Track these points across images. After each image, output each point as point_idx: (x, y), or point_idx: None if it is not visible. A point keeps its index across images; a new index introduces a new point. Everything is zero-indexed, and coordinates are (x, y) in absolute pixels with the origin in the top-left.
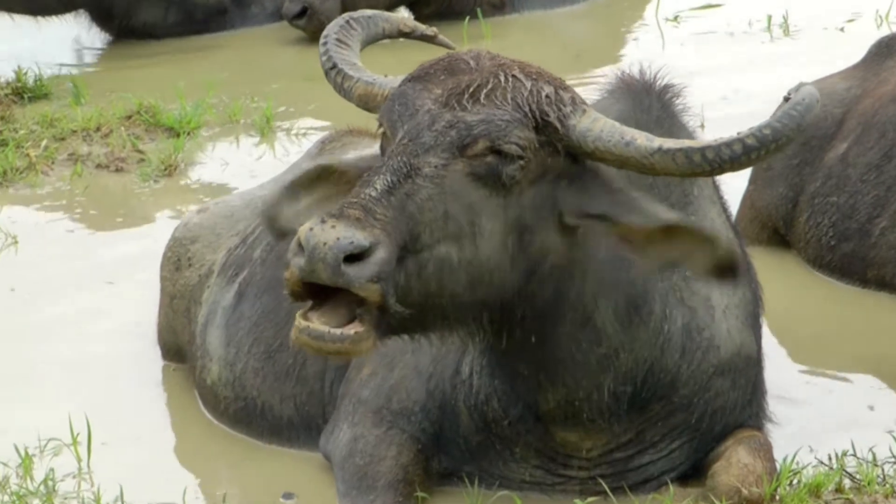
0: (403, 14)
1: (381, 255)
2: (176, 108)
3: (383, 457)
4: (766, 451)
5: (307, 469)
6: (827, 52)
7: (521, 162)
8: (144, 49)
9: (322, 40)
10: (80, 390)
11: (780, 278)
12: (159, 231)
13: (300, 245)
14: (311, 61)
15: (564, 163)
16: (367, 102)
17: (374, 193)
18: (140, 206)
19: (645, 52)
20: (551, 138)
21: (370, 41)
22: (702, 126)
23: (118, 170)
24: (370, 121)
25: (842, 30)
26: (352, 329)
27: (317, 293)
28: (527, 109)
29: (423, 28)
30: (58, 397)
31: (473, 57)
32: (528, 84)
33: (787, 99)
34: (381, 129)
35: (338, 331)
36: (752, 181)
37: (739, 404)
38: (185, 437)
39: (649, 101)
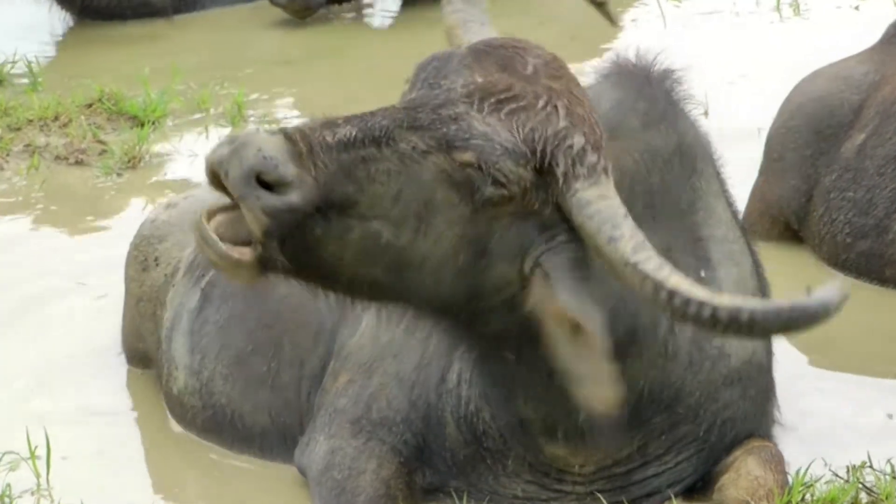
0: None
1: (292, 198)
2: (140, 96)
3: (363, 470)
4: (777, 462)
5: (283, 482)
6: (841, 34)
7: (505, 192)
8: (107, 31)
9: None
10: (38, 400)
11: (793, 276)
12: (123, 228)
13: (235, 139)
14: (287, 44)
15: (551, 217)
16: (449, 37)
17: (329, 140)
18: (102, 200)
19: (645, 33)
20: (548, 187)
21: None
22: (705, 114)
23: (78, 162)
24: (348, 109)
25: (856, 8)
26: (238, 253)
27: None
28: (538, 148)
29: None
30: (14, 407)
31: (536, 62)
32: (562, 124)
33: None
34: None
35: (224, 247)
36: (763, 173)
37: (750, 414)
38: (152, 449)
39: (649, 89)
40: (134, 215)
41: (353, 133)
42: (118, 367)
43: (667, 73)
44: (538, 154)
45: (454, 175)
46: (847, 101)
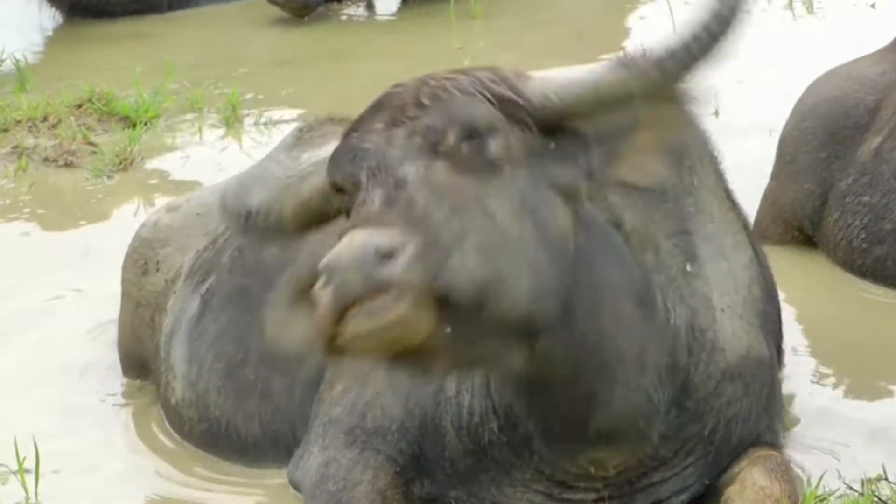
0: None
1: (410, 248)
2: (132, 96)
3: (358, 481)
4: (783, 471)
5: (278, 498)
6: (856, 32)
7: (500, 138)
8: (97, 29)
9: None
10: (28, 410)
11: (807, 282)
12: (114, 232)
13: (326, 276)
14: (284, 43)
15: (543, 140)
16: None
17: (374, 207)
18: (92, 203)
19: (653, 31)
20: (514, 113)
21: None
22: (716, 114)
23: (68, 164)
24: (349, 109)
25: (872, 6)
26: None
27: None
28: (474, 91)
29: None
30: (3, 418)
31: (393, 86)
32: (462, 77)
33: None
34: (335, 188)
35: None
36: (775, 177)
37: (755, 412)
38: (144, 463)
39: None
40: (125, 219)
41: (381, 194)
42: (111, 377)
43: None
44: (481, 96)
45: (461, 163)
46: (862, 101)
